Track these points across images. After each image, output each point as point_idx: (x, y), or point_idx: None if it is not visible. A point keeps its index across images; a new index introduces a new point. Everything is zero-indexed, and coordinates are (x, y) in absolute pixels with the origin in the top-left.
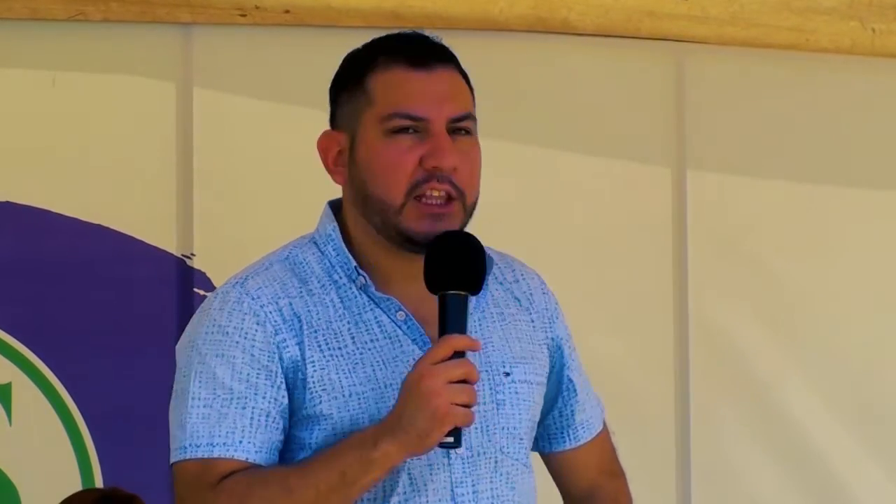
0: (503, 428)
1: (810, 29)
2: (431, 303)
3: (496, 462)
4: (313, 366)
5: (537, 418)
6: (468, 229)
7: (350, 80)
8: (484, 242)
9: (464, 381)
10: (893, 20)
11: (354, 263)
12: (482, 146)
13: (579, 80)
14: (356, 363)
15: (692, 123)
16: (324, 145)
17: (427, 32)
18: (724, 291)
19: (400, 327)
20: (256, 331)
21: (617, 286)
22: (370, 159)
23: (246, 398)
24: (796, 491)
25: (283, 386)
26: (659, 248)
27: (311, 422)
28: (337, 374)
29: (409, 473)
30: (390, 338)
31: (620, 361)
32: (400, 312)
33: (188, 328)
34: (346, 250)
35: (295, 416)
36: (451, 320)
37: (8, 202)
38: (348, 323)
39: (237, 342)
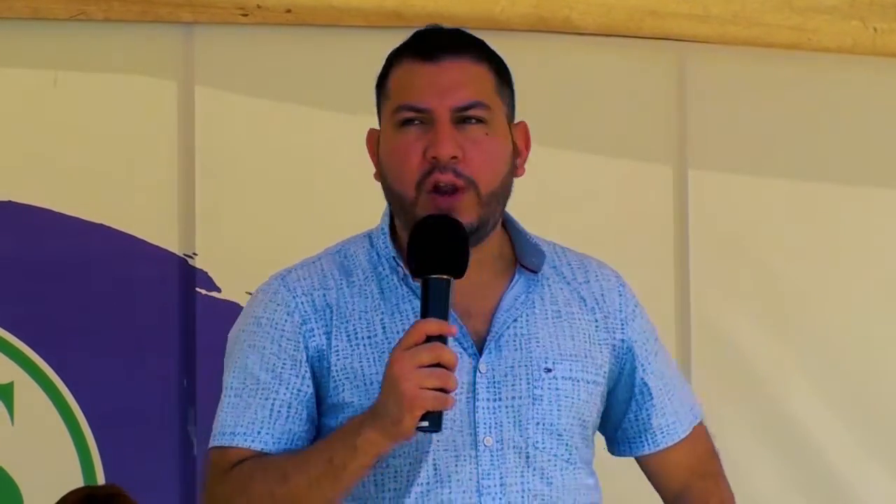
0: (538, 423)
1: (812, 28)
2: (473, 296)
3: (528, 456)
4: (337, 355)
5: (590, 416)
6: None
7: (379, 78)
8: None
9: (437, 366)
10: (895, 19)
11: (393, 254)
12: None
13: (581, 80)
14: (383, 352)
15: (694, 122)
16: (368, 143)
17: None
18: (725, 290)
19: None
20: (286, 321)
21: None
22: (386, 153)
23: (270, 388)
24: (798, 490)
25: (308, 375)
26: (661, 247)
27: (336, 410)
28: (360, 362)
29: (434, 464)
30: None
31: None
32: None
33: (237, 320)
34: (390, 243)
35: (322, 404)
36: (433, 304)
37: (10, 201)
38: (383, 313)
39: (268, 333)
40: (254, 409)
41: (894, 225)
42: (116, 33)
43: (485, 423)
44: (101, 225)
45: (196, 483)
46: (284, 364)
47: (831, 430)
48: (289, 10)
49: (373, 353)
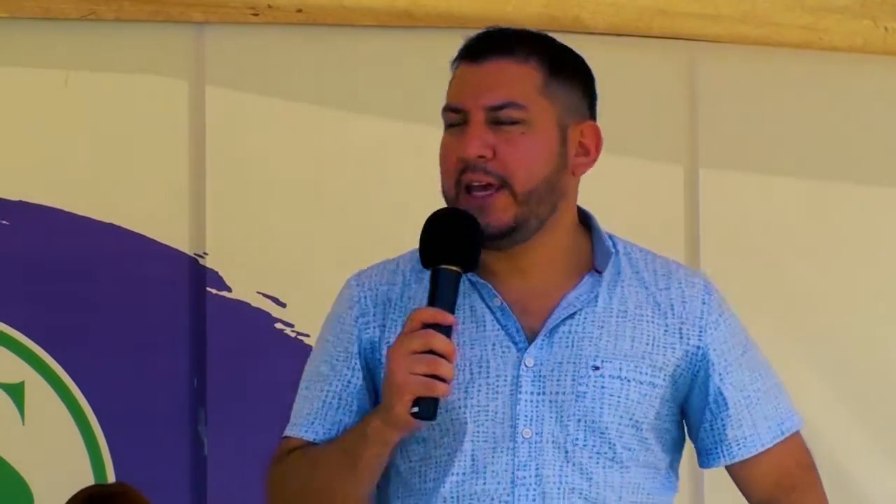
0: (579, 420)
1: (822, 27)
2: (534, 294)
3: (567, 451)
4: (388, 346)
5: (644, 417)
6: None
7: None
8: None
9: (430, 352)
10: None
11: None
12: None
13: None
14: None
15: (704, 122)
16: None
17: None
18: (736, 289)
19: (494, 313)
20: (346, 315)
21: None
22: (439, 155)
23: (325, 380)
24: None
25: (358, 367)
26: (671, 246)
27: None
28: None
29: (472, 455)
30: (476, 321)
31: None
32: (496, 299)
33: None
34: None
35: (379, 395)
36: (439, 294)
37: (21, 201)
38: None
39: (333, 327)
40: (311, 401)
41: None
42: (127, 33)
43: (525, 416)
44: (112, 224)
45: (207, 483)
46: (339, 356)
47: (840, 429)
48: (300, 10)
49: None
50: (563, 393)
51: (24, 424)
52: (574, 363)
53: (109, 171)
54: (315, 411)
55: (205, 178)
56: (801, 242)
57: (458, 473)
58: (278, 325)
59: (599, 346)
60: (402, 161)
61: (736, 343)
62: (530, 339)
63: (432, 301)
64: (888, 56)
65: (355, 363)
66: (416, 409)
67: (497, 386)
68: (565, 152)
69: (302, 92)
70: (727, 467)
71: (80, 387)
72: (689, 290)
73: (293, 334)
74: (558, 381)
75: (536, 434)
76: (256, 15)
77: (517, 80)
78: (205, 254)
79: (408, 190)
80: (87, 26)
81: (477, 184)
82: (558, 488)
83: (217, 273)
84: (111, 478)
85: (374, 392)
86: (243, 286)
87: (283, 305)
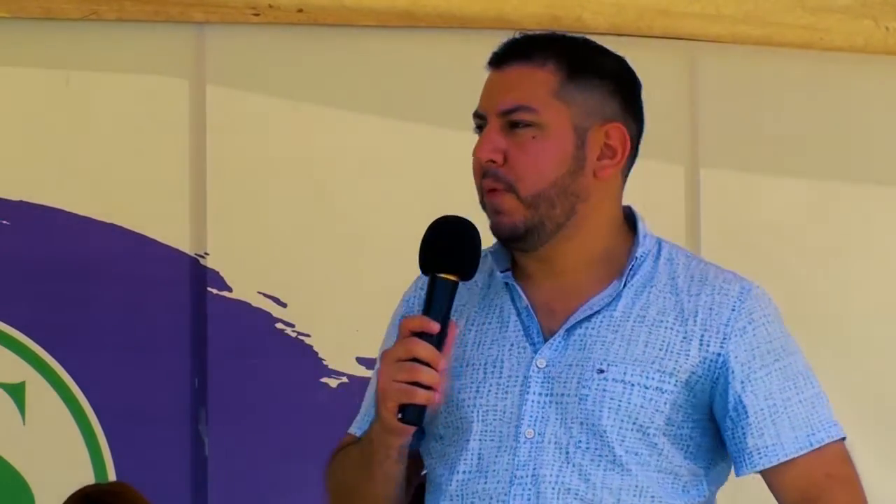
0: (581, 422)
1: (823, 27)
2: (561, 296)
3: (568, 453)
4: None
5: (651, 422)
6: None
7: None
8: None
9: (414, 360)
10: None
11: (495, 252)
12: None
13: None
14: (457, 343)
15: (705, 122)
16: None
17: (440, 30)
18: None
19: (520, 314)
20: (400, 314)
21: None
22: None
23: (375, 378)
24: None
25: None
26: None
27: None
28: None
29: (479, 454)
30: (501, 321)
31: None
32: (522, 300)
33: None
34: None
35: None
36: (434, 303)
37: (22, 201)
38: (476, 306)
39: (392, 325)
40: (366, 398)
41: None
42: (128, 33)
43: (530, 416)
44: (113, 224)
45: (207, 483)
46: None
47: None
48: (300, 10)
49: (456, 343)
50: (568, 395)
51: (24, 424)
52: (581, 366)
53: (110, 171)
54: (365, 408)
55: (206, 177)
56: (802, 242)
57: (464, 472)
58: (279, 325)
59: (610, 349)
60: (402, 161)
61: (767, 350)
62: (548, 341)
63: (427, 309)
64: (889, 56)
65: None
66: (400, 416)
67: (507, 386)
68: (583, 155)
69: (303, 92)
70: (763, 475)
71: (80, 387)
72: (721, 297)
73: (294, 334)
74: (565, 383)
75: (539, 435)
76: (257, 15)
77: (530, 84)
78: (205, 254)
79: (408, 190)
80: (88, 26)
81: (490, 188)
82: (554, 488)
83: (218, 273)
84: (112, 478)
85: None
86: (244, 286)
87: (284, 305)
